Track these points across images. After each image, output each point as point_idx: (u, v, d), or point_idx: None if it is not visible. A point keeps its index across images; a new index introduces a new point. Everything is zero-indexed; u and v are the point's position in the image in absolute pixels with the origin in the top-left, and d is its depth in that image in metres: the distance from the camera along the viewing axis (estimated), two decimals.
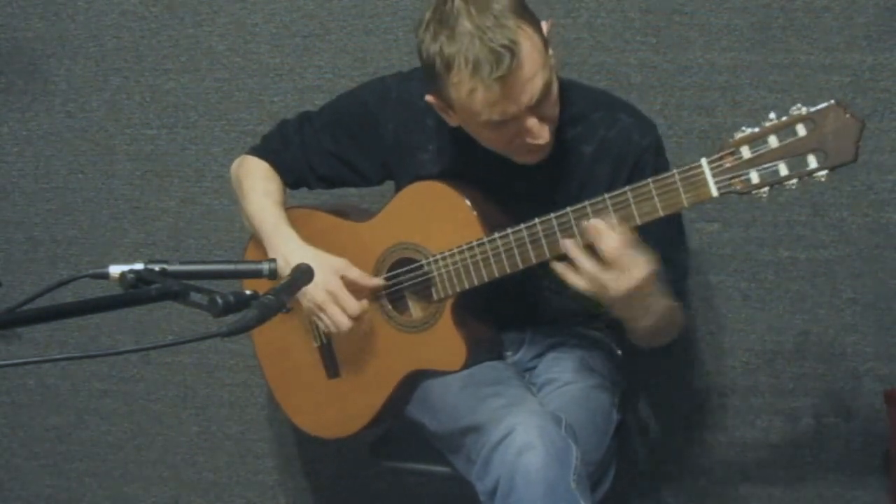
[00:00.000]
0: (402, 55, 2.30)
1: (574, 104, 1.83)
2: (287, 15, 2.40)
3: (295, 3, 2.39)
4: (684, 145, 2.18)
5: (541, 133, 1.69)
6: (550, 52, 1.70)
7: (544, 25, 1.70)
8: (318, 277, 1.83)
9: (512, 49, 1.59)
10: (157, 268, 1.28)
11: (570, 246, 1.63)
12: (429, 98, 1.76)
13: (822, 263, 2.20)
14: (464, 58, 1.61)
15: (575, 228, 1.66)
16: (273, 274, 1.39)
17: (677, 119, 2.17)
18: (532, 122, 1.68)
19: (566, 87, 1.81)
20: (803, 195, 2.17)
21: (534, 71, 1.63)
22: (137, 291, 1.25)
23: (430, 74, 1.69)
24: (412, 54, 2.26)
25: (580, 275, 1.61)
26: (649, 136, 1.84)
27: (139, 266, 1.28)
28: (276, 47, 2.42)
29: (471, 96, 1.64)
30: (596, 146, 1.83)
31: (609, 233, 1.59)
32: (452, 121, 1.77)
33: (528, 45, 1.62)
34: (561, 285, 1.94)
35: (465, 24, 1.61)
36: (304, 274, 1.38)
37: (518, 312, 1.98)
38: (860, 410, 2.24)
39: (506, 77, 1.60)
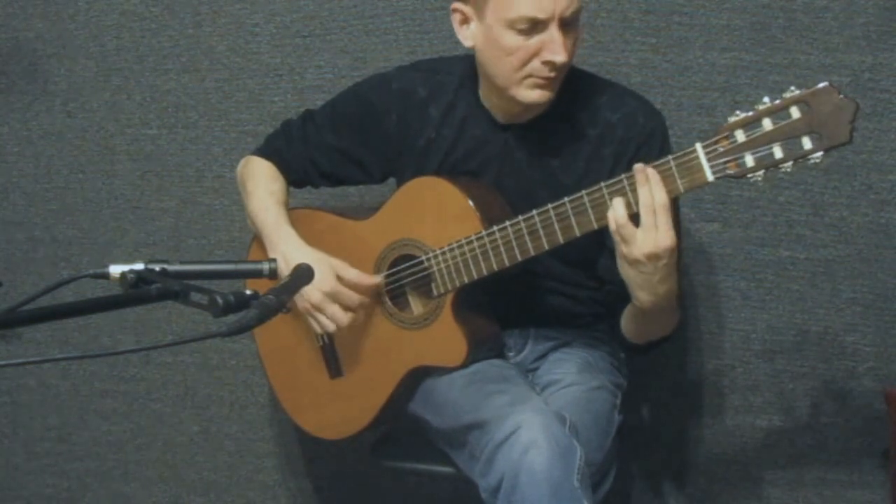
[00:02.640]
0: (403, 55, 2.30)
1: (580, 88, 1.85)
2: (287, 15, 2.40)
3: (295, 3, 2.39)
4: (684, 145, 2.16)
5: (560, 50, 1.70)
6: None
7: None
8: (315, 278, 1.84)
9: None
10: (157, 268, 1.29)
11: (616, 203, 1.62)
12: (456, 3, 1.78)
13: (822, 263, 2.20)
14: None
15: (591, 212, 1.66)
16: (273, 274, 1.40)
17: (677, 119, 2.17)
18: (558, 34, 1.70)
19: (573, 73, 1.84)
20: (804, 195, 2.17)
21: None
22: (137, 291, 1.25)
23: None
24: (412, 54, 2.28)
25: (617, 222, 1.61)
26: (654, 121, 1.85)
27: (139, 266, 1.28)
28: (276, 47, 2.42)
29: None
30: (601, 129, 1.84)
31: (661, 186, 1.59)
32: (468, 37, 1.79)
33: None
34: (565, 284, 1.95)
35: None
36: (303, 274, 1.38)
37: (521, 313, 1.98)
38: (860, 410, 2.24)
39: None
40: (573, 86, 1.83)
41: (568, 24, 1.71)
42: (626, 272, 1.66)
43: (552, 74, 1.74)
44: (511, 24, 1.71)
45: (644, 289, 1.66)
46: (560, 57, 1.71)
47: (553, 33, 1.70)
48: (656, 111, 1.88)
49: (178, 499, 2.75)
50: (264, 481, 2.69)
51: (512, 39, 1.72)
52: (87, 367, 2.73)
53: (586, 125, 1.85)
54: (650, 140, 1.82)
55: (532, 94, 1.77)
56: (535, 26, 1.70)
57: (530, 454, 1.63)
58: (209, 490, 2.73)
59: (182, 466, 2.73)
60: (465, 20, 1.78)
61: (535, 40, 1.71)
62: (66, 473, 2.81)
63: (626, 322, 1.84)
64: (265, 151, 2.07)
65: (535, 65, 1.73)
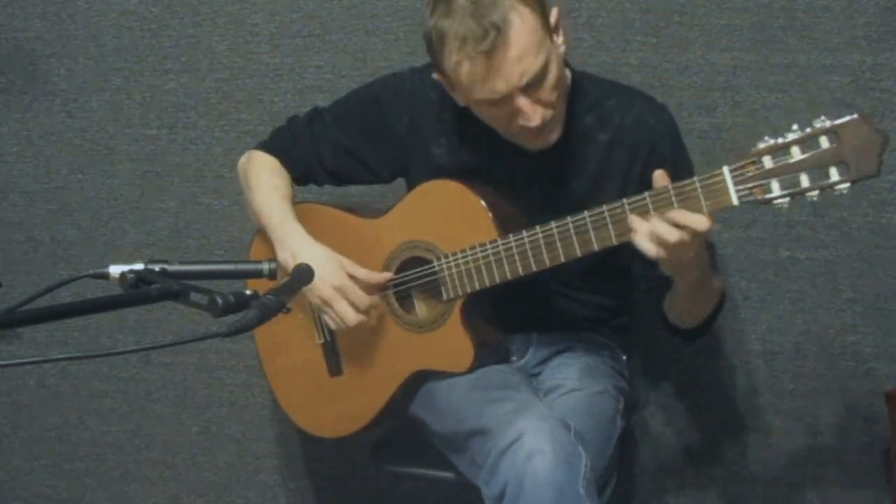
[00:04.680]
0: (403, 55, 2.30)
1: (587, 93, 1.85)
2: (287, 15, 2.40)
3: (295, 3, 2.39)
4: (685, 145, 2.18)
5: (532, 115, 1.69)
6: (560, 38, 1.72)
7: (554, 12, 1.71)
8: (325, 273, 1.83)
9: (499, 26, 1.62)
10: (157, 268, 1.29)
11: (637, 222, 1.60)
12: (436, 76, 1.78)
13: (822, 263, 2.20)
14: (454, 32, 1.64)
15: (611, 227, 1.65)
16: (273, 274, 1.39)
17: (677, 119, 2.16)
18: (522, 102, 1.68)
19: (579, 78, 1.84)
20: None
21: (523, 50, 1.64)
22: (137, 291, 1.25)
23: (430, 50, 1.72)
24: (412, 54, 2.28)
25: (652, 242, 1.58)
26: (664, 119, 1.86)
27: (139, 266, 1.28)
28: (276, 47, 2.42)
29: (457, 70, 1.67)
30: (612, 133, 1.84)
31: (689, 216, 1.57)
32: (459, 100, 1.79)
33: (519, 24, 1.63)
34: (570, 288, 1.94)
35: (462, 1, 1.64)
36: (304, 274, 1.38)
37: (526, 316, 1.97)
38: (860, 410, 2.24)
39: (490, 53, 1.63)
40: (581, 91, 1.83)
41: (534, 86, 1.68)
42: (668, 268, 1.66)
43: (539, 129, 1.72)
44: (478, 103, 1.72)
45: (688, 272, 1.67)
46: (533, 122, 1.69)
47: (519, 103, 1.68)
48: (663, 108, 1.88)
49: (178, 499, 2.75)
50: (264, 481, 2.69)
51: (486, 112, 1.74)
52: (87, 367, 2.73)
53: (597, 130, 1.85)
54: (661, 141, 1.83)
55: (533, 143, 1.78)
56: (499, 100, 1.69)
57: (535, 460, 1.61)
58: (209, 490, 2.72)
59: (182, 466, 2.73)
60: (451, 87, 1.78)
61: (507, 110, 1.70)
62: (66, 473, 2.81)
63: (680, 311, 1.84)
64: (269, 147, 2.05)
65: (517, 126, 1.73)
